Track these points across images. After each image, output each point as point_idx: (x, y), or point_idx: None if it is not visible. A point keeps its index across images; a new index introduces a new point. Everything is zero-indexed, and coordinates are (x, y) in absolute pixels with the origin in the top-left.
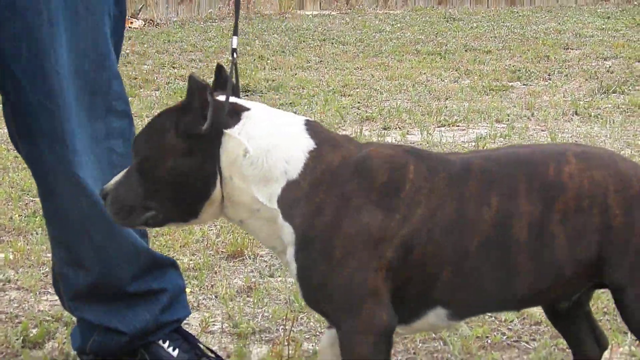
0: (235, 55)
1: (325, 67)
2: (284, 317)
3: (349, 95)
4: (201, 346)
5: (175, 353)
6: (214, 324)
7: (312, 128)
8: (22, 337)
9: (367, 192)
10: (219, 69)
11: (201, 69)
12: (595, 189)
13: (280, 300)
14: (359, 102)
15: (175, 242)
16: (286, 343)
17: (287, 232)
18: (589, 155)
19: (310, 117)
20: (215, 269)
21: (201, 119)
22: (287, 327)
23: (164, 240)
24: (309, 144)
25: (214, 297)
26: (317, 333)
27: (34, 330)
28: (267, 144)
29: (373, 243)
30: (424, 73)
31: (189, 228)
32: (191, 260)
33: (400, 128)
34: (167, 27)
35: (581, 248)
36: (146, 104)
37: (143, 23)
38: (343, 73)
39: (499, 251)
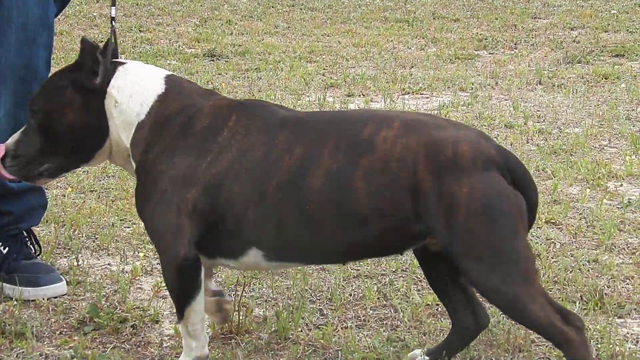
0: (113, 23)
1: (293, 33)
2: (236, 283)
3: (314, 62)
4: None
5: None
6: (165, 290)
7: (170, 79)
8: None
9: (186, 136)
10: (113, 31)
11: (168, 33)
12: (405, 153)
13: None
14: (324, 69)
15: (132, 206)
16: (237, 309)
17: (133, 169)
18: (415, 123)
19: (274, 82)
20: None
21: (93, 75)
22: (238, 293)
23: (121, 204)
24: (160, 89)
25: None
26: (269, 299)
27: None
28: (130, 92)
29: (180, 183)
30: (391, 40)
31: None
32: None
33: (364, 95)
34: None
35: (387, 206)
36: None
37: None
38: (310, 39)
39: (292, 196)
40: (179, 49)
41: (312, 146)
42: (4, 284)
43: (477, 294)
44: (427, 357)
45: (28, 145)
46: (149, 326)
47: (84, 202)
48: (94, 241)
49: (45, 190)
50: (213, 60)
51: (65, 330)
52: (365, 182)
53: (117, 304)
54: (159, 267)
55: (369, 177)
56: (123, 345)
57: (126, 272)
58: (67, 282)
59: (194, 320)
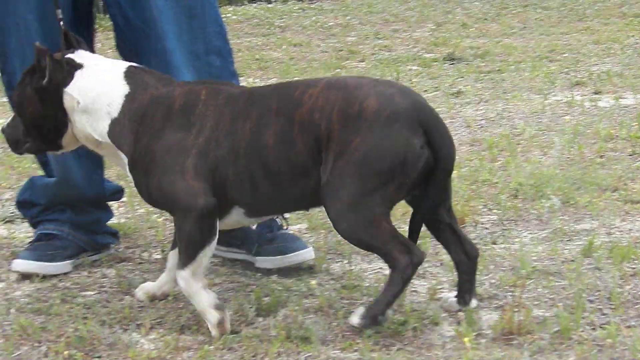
0: (62, 24)
1: (530, 33)
2: (512, 284)
3: (556, 61)
4: None
5: None
6: (441, 291)
7: (130, 74)
8: (255, 306)
9: (168, 118)
10: (65, 34)
11: (405, 39)
12: (325, 105)
13: (505, 267)
14: (567, 68)
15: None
16: (516, 309)
17: (122, 157)
18: (338, 82)
19: (518, 83)
20: None
21: (45, 76)
22: (515, 294)
23: None
24: (125, 89)
25: (439, 264)
26: (546, 299)
27: (266, 299)
28: (93, 94)
29: (176, 154)
30: (632, 36)
31: None
32: None
33: (613, 92)
34: None
35: (317, 154)
36: (353, 75)
37: None
38: (548, 38)
39: (256, 154)
40: (417, 54)
41: (263, 111)
42: (257, 258)
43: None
44: (454, 298)
45: (13, 128)
46: (429, 328)
47: None
48: None
49: None
50: (453, 63)
51: (347, 333)
52: (301, 135)
53: (395, 307)
54: (430, 270)
55: (302, 129)
56: (406, 348)
57: None
58: (342, 286)
59: (204, 262)
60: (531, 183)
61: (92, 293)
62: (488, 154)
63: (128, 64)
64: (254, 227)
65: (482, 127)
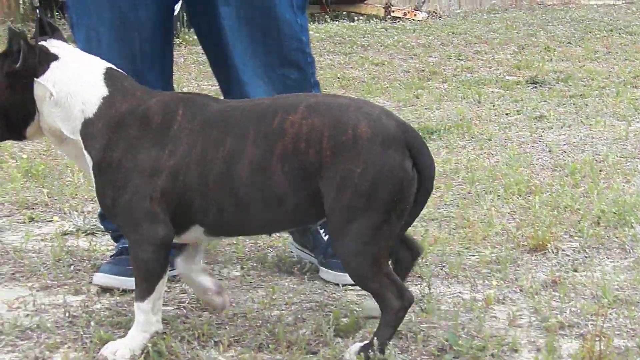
0: (38, 11)
1: (614, 58)
2: (593, 313)
3: None
4: None
5: None
6: (521, 317)
7: (110, 77)
8: (333, 326)
9: (145, 133)
10: (39, 20)
11: (487, 61)
12: (312, 134)
13: (586, 295)
14: None
15: (476, 234)
16: (597, 339)
17: (88, 159)
18: (318, 105)
19: (602, 109)
20: (518, 262)
21: (17, 61)
22: (597, 323)
23: (464, 232)
24: (103, 91)
25: (518, 290)
26: (628, 329)
27: (345, 320)
28: (68, 89)
29: (147, 175)
30: None
31: (489, 220)
32: (492, 253)
33: None
34: (450, 19)
35: (301, 182)
36: (435, 95)
37: (427, 15)
38: (633, 64)
39: (227, 184)
40: (500, 76)
41: (238, 139)
42: (322, 268)
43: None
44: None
45: None
46: (507, 355)
47: (426, 230)
48: (442, 269)
49: None
50: (535, 87)
51: (425, 357)
52: (281, 165)
53: (473, 332)
54: (511, 295)
55: (283, 159)
56: None
57: (478, 300)
58: (421, 309)
59: (161, 293)
60: (614, 210)
61: (171, 308)
62: (570, 179)
63: (106, 64)
64: (325, 236)
65: (564, 152)
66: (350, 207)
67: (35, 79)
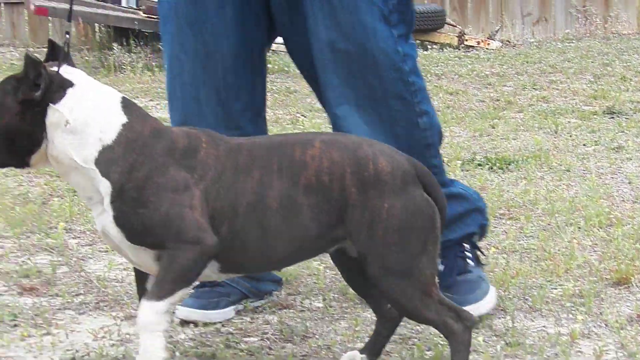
0: (67, 36)
1: None
2: None
3: None
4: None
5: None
6: (607, 353)
7: (126, 105)
8: None
9: (171, 154)
10: (51, 43)
11: (563, 91)
12: (334, 168)
13: None
14: None
15: (558, 267)
16: None
17: (105, 186)
18: (334, 141)
19: None
20: (602, 295)
21: (34, 88)
22: None
23: (545, 265)
24: (122, 119)
25: (603, 325)
26: None
27: (429, 353)
28: (86, 116)
29: (182, 189)
30: None
31: (570, 253)
32: (575, 286)
33: None
34: (524, 47)
35: (323, 216)
36: (511, 126)
37: (500, 44)
38: None
39: (256, 215)
40: (576, 106)
41: (265, 170)
42: None
43: None
44: (363, 355)
45: None
46: None
47: (507, 262)
48: (524, 302)
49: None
50: (612, 117)
51: None
52: (306, 197)
53: None
54: (596, 330)
55: (307, 192)
56: None
57: (563, 334)
58: (506, 343)
59: (177, 300)
60: None
61: (255, 339)
62: None
63: (120, 94)
64: (441, 265)
65: None
66: (386, 243)
67: (51, 104)
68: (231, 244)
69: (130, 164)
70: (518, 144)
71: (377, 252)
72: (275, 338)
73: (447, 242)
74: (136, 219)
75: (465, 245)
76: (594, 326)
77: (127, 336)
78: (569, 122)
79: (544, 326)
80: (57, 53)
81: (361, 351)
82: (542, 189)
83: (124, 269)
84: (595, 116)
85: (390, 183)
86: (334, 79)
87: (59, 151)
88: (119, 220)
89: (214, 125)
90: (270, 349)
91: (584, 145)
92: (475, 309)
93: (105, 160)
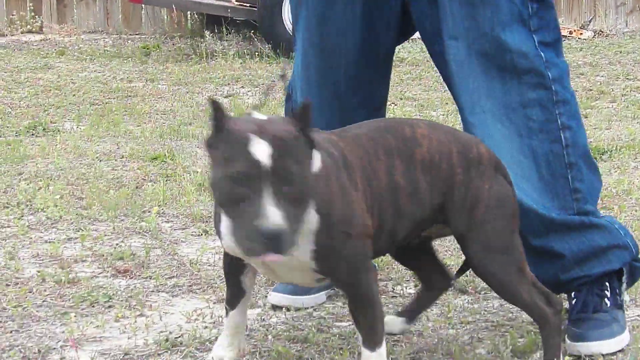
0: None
1: None
2: None
3: None
4: None
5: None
6: None
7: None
8: (510, 347)
9: (340, 176)
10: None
11: None
12: (442, 147)
13: None
14: None
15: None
16: None
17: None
18: (434, 124)
19: None
20: None
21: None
22: None
23: None
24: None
25: None
26: None
27: (521, 340)
28: None
29: (360, 217)
30: None
31: None
32: None
33: None
34: (617, 37)
35: (434, 195)
36: (604, 115)
37: (593, 34)
38: None
39: (393, 194)
40: None
41: (387, 152)
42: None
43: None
44: (401, 318)
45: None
46: None
47: None
48: None
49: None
50: None
51: None
52: (422, 174)
53: None
54: None
55: (423, 169)
56: None
57: None
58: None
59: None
60: None
61: (347, 324)
62: None
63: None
64: (573, 300)
65: None
66: (486, 222)
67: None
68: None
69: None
70: (611, 134)
71: (478, 230)
72: None
73: (584, 278)
74: (339, 253)
75: (606, 284)
76: None
77: (220, 319)
78: None
79: (638, 315)
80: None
81: (399, 314)
82: (636, 179)
83: (216, 253)
84: None
85: (488, 167)
86: (470, 83)
87: None
88: (328, 257)
89: (329, 118)
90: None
91: None
92: (596, 346)
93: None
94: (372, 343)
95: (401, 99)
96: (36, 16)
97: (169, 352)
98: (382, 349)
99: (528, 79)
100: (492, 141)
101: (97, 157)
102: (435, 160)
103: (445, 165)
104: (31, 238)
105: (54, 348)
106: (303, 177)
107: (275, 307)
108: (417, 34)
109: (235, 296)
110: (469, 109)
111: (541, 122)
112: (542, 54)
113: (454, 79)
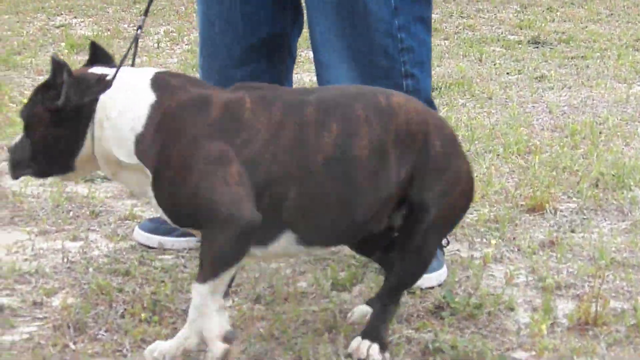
0: (139, 31)
1: (617, 21)
2: (590, 274)
3: None
4: None
5: None
6: (518, 277)
7: (157, 81)
8: (331, 280)
9: (203, 124)
10: (93, 45)
11: (489, 20)
12: (419, 118)
13: (583, 256)
14: None
15: (475, 193)
16: (593, 300)
17: (147, 177)
18: (408, 96)
19: (603, 71)
20: (516, 221)
21: (56, 97)
22: (593, 284)
23: None
24: (151, 98)
25: (516, 249)
26: (624, 291)
27: (342, 273)
28: (121, 107)
29: (218, 162)
30: None
31: (487, 179)
32: (491, 211)
33: None
34: None
35: (405, 171)
36: (436, 53)
37: None
38: (636, 27)
39: (341, 167)
40: (502, 35)
41: (346, 120)
42: None
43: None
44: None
45: (19, 149)
46: (504, 313)
47: None
48: None
49: None
50: (537, 47)
51: (422, 313)
52: (394, 146)
53: (470, 290)
54: (508, 255)
55: (396, 140)
56: (480, 332)
57: (476, 258)
58: None
59: (227, 281)
60: (613, 173)
61: (170, 257)
62: (570, 141)
63: (155, 70)
64: None
65: (564, 113)
66: (455, 207)
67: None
68: (305, 208)
69: (162, 144)
70: (442, 70)
71: (444, 214)
72: (190, 256)
73: None
74: (170, 200)
75: None
76: (507, 251)
77: (41, 251)
78: (493, 50)
79: (457, 250)
80: (98, 55)
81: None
82: (464, 116)
83: (40, 185)
84: (519, 45)
85: (458, 144)
86: (322, 22)
87: (105, 150)
88: (160, 203)
89: (226, 60)
90: (184, 266)
91: (508, 73)
92: (427, 280)
93: (142, 150)
94: (198, 277)
95: None
96: None
97: None
98: (201, 288)
99: (376, 25)
100: (338, 83)
101: None
102: (412, 131)
103: (420, 138)
104: None
105: None
106: (26, 119)
107: (97, 240)
108: None
109: None
110: (320, 50)
111: (385, 69)
112: (393, 2)
113: (310, 20)
